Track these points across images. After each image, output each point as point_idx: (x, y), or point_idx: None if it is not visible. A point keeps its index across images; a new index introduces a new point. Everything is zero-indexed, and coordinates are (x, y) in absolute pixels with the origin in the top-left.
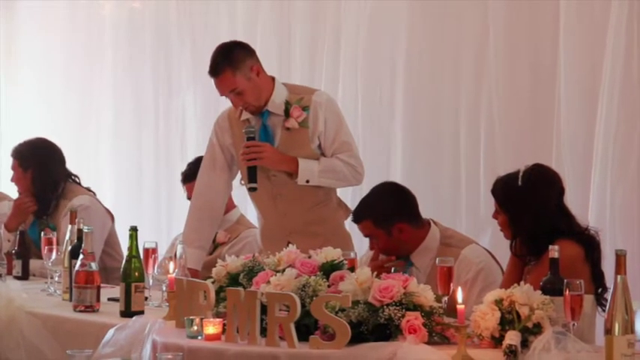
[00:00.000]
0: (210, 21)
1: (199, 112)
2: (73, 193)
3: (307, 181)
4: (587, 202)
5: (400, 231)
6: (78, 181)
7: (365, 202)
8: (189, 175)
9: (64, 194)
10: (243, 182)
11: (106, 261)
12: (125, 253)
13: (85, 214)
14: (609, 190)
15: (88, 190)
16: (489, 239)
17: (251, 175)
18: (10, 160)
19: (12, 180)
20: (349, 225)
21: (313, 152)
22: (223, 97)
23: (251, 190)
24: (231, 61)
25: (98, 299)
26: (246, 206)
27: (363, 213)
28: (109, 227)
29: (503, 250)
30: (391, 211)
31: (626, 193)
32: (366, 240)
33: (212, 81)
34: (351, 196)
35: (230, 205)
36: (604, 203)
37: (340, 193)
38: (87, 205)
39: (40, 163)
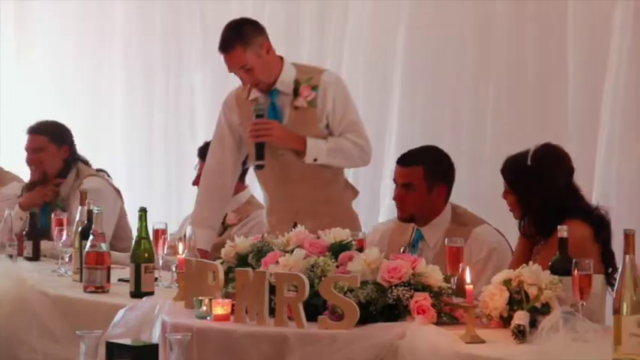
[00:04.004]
0: None
1: (209, 93)
2: (84, 174)
3: (315, 160)
4: (592, 180)
5: (439, 194)
6: (87, 162)
7: (422, 151)
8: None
9: (77, 175)
10: (249, 162)
11: (114, 244)
12: (135, 233)
13: (95, 196)
14: (615, 168)
15: (100, 171)
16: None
17: (258, 152)
18: (22, 141)
19: (33, 160)
20: (356, 206)
21: (321, 132)
22: (233, 77)
23: (258, 167)
24: (241, 37)
25: (108, 280)
26: (256, 187)
27: (420, 158)
28: (119, 208)
29: (504, 232)
30: (445, 170)
31: (631, 171)
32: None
33: (222, 61)
34: (352, 177)
35: (240, 186)
36: (609, 181)
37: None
38: (97, 188)
39: (71, 142)
